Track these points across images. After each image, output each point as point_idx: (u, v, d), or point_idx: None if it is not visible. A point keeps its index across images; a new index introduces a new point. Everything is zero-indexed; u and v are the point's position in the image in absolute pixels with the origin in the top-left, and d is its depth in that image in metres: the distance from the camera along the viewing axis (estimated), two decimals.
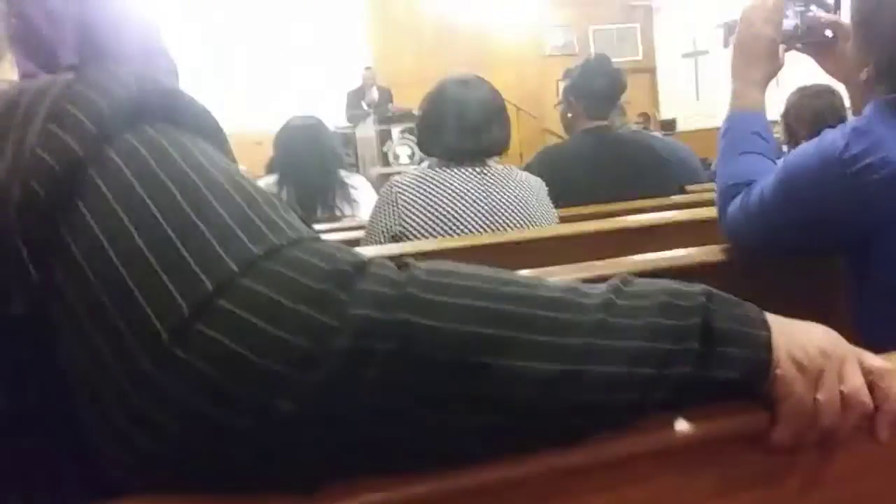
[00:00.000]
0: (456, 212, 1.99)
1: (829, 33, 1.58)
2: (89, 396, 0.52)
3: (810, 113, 3.13)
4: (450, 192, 2.00)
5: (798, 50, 1.61)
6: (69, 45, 0.73)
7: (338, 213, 3.10)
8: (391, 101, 9.79)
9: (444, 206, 1.99)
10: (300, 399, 0.49)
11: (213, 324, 0.49)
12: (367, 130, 8.94)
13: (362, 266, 0.54)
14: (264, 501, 0.52)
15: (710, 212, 1.70)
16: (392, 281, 0.53)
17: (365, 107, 8.98)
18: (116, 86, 0.57)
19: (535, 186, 2.15)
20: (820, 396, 0.64)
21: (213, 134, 0.62)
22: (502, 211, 2.02)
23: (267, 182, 3.13)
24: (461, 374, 0.53)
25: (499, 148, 2.13)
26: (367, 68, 10.26)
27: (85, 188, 0.53)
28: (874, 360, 0.68)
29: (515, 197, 2.06)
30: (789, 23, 1.57)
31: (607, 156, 2.83)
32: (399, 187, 2.01)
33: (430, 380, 0.52)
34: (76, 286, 0.51)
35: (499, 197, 2.03)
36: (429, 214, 1.98)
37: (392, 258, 0.57)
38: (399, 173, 2.15)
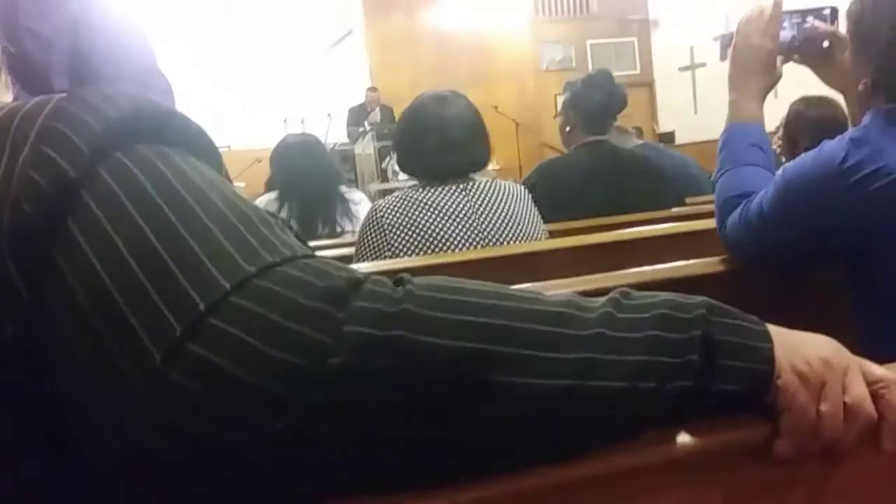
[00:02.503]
0: (443, 231, 1.95)
1: (826, 44, 1.58)
2: (84, 421, 0.51)
3: (812, 123, 3.10)
4: (435, 211, 1.97)
5: (795, 61, 1.61)
6: (62, 70, 0.72)
7: (339, 230, 3.10)
8: (393, 121, 9.71)
9: (430, 225, 1.96)
10: (295, 419, 0.49)
11: (206, 343, 0.48)
12: (366, 147, 8.93)
13: (357, 283, 0.53)
14: None
15: (710, 223, 1.69)
16: (388, 297, 0.53)
17: (367, 126, 8.94)
18: (109, 106, 0.56)
19: (521, 194, 2.11)
20: (823, 407, 0.64)
21: (208, 154, 0.62)
22: (490, 226, 1.99)
23: (269, 198, 3.14)
24: (459, 391, 0.52)
25: (481, 163, 2.10)
26: (372, 89, 10.08)
27: (77, 209, 0.52)
28: (877, 370, 0.67)
29: (503, 210, 2.02)
30: (786, 34, 1.57)
31: (604, 169, 2.82)
32: (382, 211, 1.98)
33: (427, 397, 0.52)
34: (67, 309, 0.50)
35: (485, 212, 2.00)
36: (415, 235, 1.95)
37: (383, 274, 0.56)
38: (399, 189, 2.13)
